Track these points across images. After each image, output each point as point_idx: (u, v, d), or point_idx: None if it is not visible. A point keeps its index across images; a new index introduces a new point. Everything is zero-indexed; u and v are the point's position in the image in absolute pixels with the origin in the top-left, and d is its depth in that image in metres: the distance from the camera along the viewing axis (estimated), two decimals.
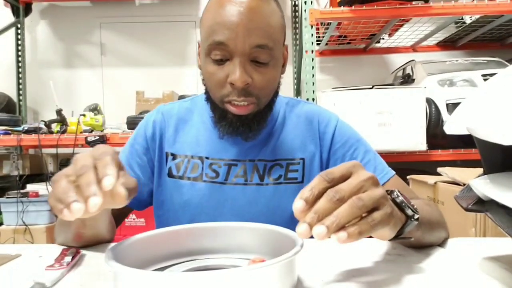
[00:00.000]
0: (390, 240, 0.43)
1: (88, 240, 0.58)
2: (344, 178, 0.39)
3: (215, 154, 0.70)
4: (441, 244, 0.58)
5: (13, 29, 2.75)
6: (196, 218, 0.68)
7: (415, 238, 0.49)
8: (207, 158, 0.70)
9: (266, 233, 0.48)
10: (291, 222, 0.66)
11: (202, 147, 0.71)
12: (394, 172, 0.70)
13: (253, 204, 0.68)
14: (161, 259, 0.48)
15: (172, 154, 0.72)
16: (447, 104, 1.97)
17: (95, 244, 0.60)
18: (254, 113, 0.63)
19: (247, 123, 0.64)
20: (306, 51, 1.87)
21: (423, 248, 0.55)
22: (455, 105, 1.92)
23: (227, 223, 0.51)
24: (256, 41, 0.58)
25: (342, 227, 0.35)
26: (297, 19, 2.85)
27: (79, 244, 0.58)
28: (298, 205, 0.37)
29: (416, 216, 0.43)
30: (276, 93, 0.68)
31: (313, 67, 1.87)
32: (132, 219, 2.21)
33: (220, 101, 0.63)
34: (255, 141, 0.70)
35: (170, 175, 0.71)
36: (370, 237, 0.40)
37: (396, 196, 0.43)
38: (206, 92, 0.67)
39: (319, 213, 0.36)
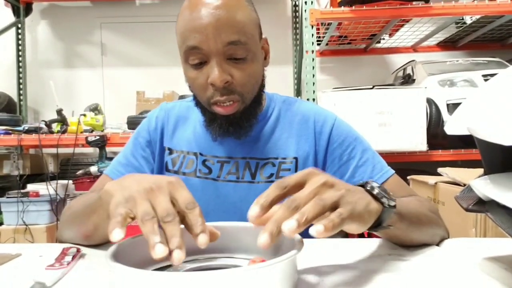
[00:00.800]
0: (370, 230, 0.45)
1: (97, 241, 0.58)
2: (299, 185, 0.40)
3: (209, 151, 0.72)
4: (441, 244, 0.58)
5: (13, 29, 2.75)
6: None
7: (402, 231, 0.51)
8: (201, 154, 0.72)
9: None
10: None
11: (197, 144, 0.73)
12: (393, 171, 0.70)
13: (244, 201, 0.69)
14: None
15: (169, 149, 0.75)
16: (447, 105, 1.97)
17: (102, 242, 0.60)
18: (241, 110, 0.65)
19: (236, 122, 0.65)
20: (307, 51, 1.87)
21: (421, 247, 0.55)
22: (456, 105, 1.92)
23: (228, 223, 0.51)
24: (227, 38, 0.59)
25: (310, 223, 0.37)
26: (297, 19, 2.85)
27: (86, 242, 0.58)
28: (253, 211, 0.38)
29: (392, 203, 0.44)
30: (261, 87, 0.69)
31: (313, 67, 1.87)
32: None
33: (207, 104, 0.64)
34: (248, 138, 0.71)
35: (166, 169, 0.75)
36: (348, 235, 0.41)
37: (371, 188, 0.44)
38: (195, 98, 0.69)
39: (278, 221, 0.37)
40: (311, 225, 0.37)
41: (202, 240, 0.37)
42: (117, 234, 0.35)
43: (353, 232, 0.43)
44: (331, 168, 0.71)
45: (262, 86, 0.69)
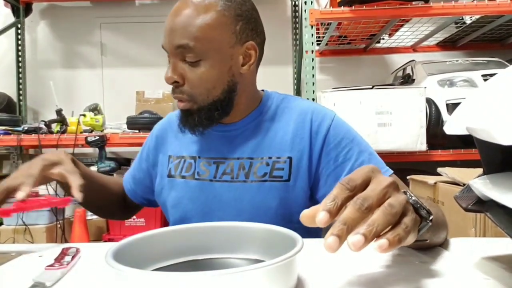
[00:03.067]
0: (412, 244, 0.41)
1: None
2: (365, 183, 0.37)
3: (206, 153, 0.74)
4: (441, 244, 0.58)
5: (13, 29, 2.75)
6: (188, 213, 0.72)
7: (425, 242, 0.48)
8: (199, 157, 0.74)
9: (266, 233, 0.48)
10: (275, 220, 0.67)
11: (195, 147, 0.75)
12: (391, 171, 0.69)
13: (238, 201, 0.69)
14: (161, 258, 0.48)
15: (172, 156, 0.78)
16: (447, 104, 1.97)
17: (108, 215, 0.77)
18: (194, 110, 0.67)
19: (187, 120, 0.69)
20: (306, 51, 1.87)
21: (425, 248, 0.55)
22: (455, 105, 1.92)
23: (228, 223, 0.52)
24: (175, 42, 0.64)
25: (378, 236, 0.33)
26: (297, 19, 2.85)
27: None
28: (322, 217, 0.34)
29: (430, 217, 0.41)
30: (228, 92, 0.67)
31: (313, 67, 1.87)
32: (132, 219, 2.21)
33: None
34: (242, 138, 0.72)
35: (169, 175, 0.76)
36: None
37: (410, 197, 0.40)
38: None
39: (348, 223, 0.33)
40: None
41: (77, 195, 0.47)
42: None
43: (406, 244, 0.39)
44: (326, 169, 0.69)
45: (229, 91, 0.67)
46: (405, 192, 0.41)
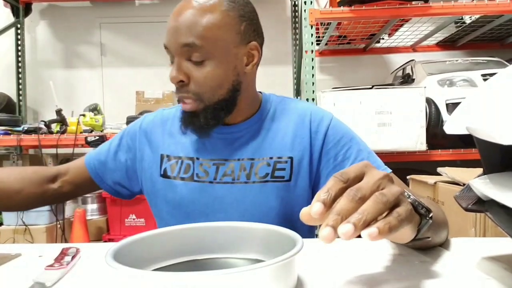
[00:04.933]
0: (407, 243, 0.42)
1: None
2: (359, 178, 0.37)
3: (205, 155, 0.72)
4: (441, 244, 0.58)
5: (13, 29, 2.75)
6: (190, 215, 0.71)
7: (426, 241, 0.47)
8: (197, 158, 0.73)
9: (266, 233, 0.48)
10: (277, 220, 0.68)
11: (193, 148, 0.73)
12: (390, 170, 0.69)
13: (240, 202, 0.69)
14: (161, 258, 0.48)
15: (167, 156, 0.75)
16: (447, 104, 1.97)
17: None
18: (200, 110, 0.66)
19: (192, 120, 0.67)
20: (306, 51, 1.87)
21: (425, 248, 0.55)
22: (455, 105, 1.92)
23: (227, 223, 0.52)
24: (181, 40, 0.63)
25: (368, 224, 0.33)
26: (297, 19, 2.85)
27: None
28: (316, 208, 0.34)
29: (430, 215, 0.41)
30: (232, 91, 0.67)
31: (313, 67, 1.87)
32: (132, 219, 2.21)
33: (177, 100, 0.69)
34: (242, 140, 0.71)
35: (165, 175, 0.74)
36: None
37: (407, 195, 0.41)
38: None
39: (342, 214, 0.33)
40: None
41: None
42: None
43: (402, 239, 0.40)
44: (326, 168, 0.70)
45: (233, 90, 0.68)
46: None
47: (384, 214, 0.35)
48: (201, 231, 0.50)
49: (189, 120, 0.67)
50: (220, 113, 0.68)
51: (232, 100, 0.69)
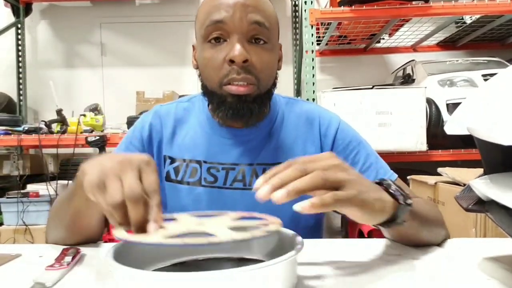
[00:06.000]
0: (383, 226, 0.46)
1: (80, 229, 0.58)
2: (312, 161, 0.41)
3: (213, 158, 0.69)
4: (441, 244, 0.58)
5: (13, 29, 2.75)
6: None
7: (412, 229, 0.51)
8: (205, 162, 0.69)
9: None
10: (291, 226, 0.67)
11: (200, 151, 0.70)
12: (396, 175, 0.70)
13: (252, 209, 0.67)
14: (161, 258, 0.48)
15: (170, 158, 0.71)
16: (447, 104, 1.97)
17: (85, 240, 0.60)
18: (254, 95, 0.62)
19: (248, 106, 0.61)
20: (306, 51, 1.87)
21: (423, 247, 0.55)
22: (456, 105, 1.92)
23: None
24: (253, 18, 0.60)
25: (300, 193, 0.38)
26: (297, 19, 2.85)
27: (72, 237, 0.58)
28: (259, 180, 0.40)
29: (408, 201, 0.45)
30: (274, 84, 0.67)
31: (313, 67, 1.87)
32: None
33: (219, 84, 0.61)
34: (253, 143, 0.69)
35: (168, 179, 0.70)
36: (371, 235, 0.42)
37: (387, 185, 0.46)
38: (203, 87, 0.66)
39: (282, 178, 0.39)
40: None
41: (151, 228, 0.38)
42: (119, 233, 0.37)
43: (361, 221, 0.43)
44: None
45: (274, 83, 0.67)
46: (382, 181, 0.47)
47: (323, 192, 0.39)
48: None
49: (245, 106, 0.61)
50: (267, 103, 0.67)
51: (272, 93, 0.67)
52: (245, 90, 0.60)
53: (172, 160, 0.71)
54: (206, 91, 0.65)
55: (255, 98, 0.62)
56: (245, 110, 0.62)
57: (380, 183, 0.47)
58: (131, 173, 0.40)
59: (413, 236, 0.54)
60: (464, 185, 0.82)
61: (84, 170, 0.43)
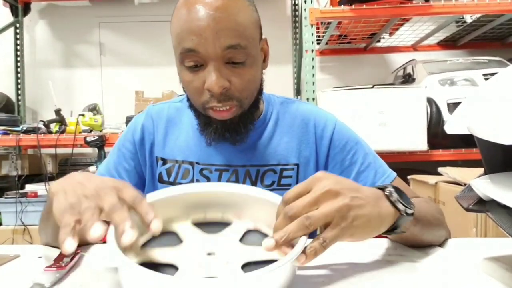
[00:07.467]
0: (385, 234, 0.46)
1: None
2: (302, 195, 0.42)
3: (206, 159, 0.68)
4: (442, 244, 0.58)
5: (12, 29, 2.75)
6: None
7: (414, 235, 0.51)
8: (197, 163, 0.68)
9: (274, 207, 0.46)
10: None
11: (192, 152, 0.69)
12: (395, 174, 0.69)
13: None
14: (169, 220, 0.47)
15: (162, 159, 0.70)
16: (448, 104, 1.97)
17: (80, 243, 0.59)
18: (238, 115, 0.61)
19: (233, 128, 0.62)
20: (306, 51, 1.87)
21: (424, 247, 0.55)
22: (456, 104, 1.92)
23: (239, 186, 0.52)
24: (226, 42, 0.55)
25: (289, 242, 0.39)
26: (297, 19, 2.85)
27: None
28: (269, 243, 0.40)
29: (409, 211, 0.45)
30: (260, 91, 0.65)
31: (313, 67, 1.87)
32: None
33: (202, 108, 0.60)
34: (246, 144, 0.67)
35: (160, 180, 0.70)
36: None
37: (389, 193, 0.45)
38: (188, 100, 0.64)
39: (275, 228, 0.41)
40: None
41: (155, 226, 0.39)
42: (69, 245, 0.36)
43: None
44: (333, 174, 0.69)
45: (260, 90, 0.65)
46: (385, 188, 0.46)
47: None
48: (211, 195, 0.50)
49: (230, 128, 0.61)
50: (254, 115, 0.65)
51: (259, 100, 0.65)
52: (228, 114, 0.59)
53: (164, 162, 0.70)
54: (192, 107, 0.64)
55: (240, 117, 0.62)
56: (230, 132, 0.62)
57: (381, 188, 0.46)
58: (109, 197, 0.39)
59: (415, 240, 0.54)
60: (465, 184, 0.82)
61: (53, 193, 0.42)
